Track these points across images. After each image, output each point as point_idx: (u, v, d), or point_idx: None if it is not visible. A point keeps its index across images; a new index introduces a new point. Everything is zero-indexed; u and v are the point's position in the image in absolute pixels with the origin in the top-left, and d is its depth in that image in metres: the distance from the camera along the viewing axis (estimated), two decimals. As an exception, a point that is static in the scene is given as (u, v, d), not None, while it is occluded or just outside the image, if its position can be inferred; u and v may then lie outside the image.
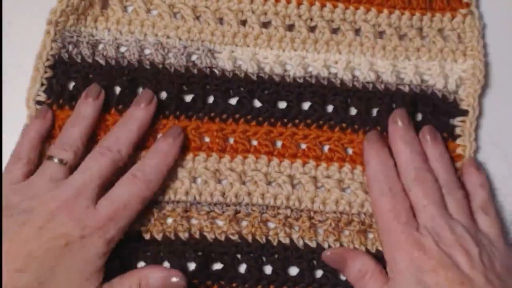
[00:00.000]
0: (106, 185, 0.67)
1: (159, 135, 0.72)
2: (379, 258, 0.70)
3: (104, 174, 0.67)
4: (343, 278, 0.71)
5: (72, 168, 0.67)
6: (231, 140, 0.74)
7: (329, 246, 0.71)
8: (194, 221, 0.72)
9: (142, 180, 0.67)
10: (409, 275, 0.65)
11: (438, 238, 0.65)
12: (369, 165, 0.70)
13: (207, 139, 0.73)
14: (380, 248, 0.71)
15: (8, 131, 0.72)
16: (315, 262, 0.72)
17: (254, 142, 0.74)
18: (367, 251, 0.71)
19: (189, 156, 0.73)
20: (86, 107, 0.70)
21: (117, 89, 0.73)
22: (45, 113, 0.70)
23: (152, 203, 0.71)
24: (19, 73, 0.73)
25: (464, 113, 0.74)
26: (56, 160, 0.67)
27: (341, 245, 0.71)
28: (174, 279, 0.68)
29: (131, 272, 0.68)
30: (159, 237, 0.71)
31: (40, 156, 0.69)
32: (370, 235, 0.72)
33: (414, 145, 0.70)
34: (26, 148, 0.68)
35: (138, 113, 0.70)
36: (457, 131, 0.74)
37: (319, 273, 0.72)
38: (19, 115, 0.72)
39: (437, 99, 0.74)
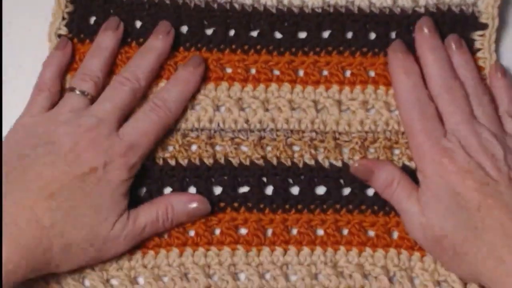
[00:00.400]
0: (126, 114, 0.68)
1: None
2: (406, 172, 0.69)
3: (124, 103, 0.67)
4: (370, 194, 0.70)
5: (94, 99, 0.68)
6: (253, 71, 0.74)
7: (356, 165, 0.70)
8: (218, 148, 0.72)
9: (162, 108, 0.68)
10: (437, 179, 0.64)
11: (465, 143, 0.65)
12: (395, 75, 0.69)
13: (229, 70, 0.74)
14: (406, 163, 0.70)
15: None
16: (342, 181, 0.71)
17: (276, 72, 0.74)
18: (394, 167, 0.70)
19: (211, 86, 0.73)
20: (105, 39, 0.70)
21: (138, 23, 0.75)
22: (64, 44, 0.71)
23: (176, 130, 0.71)
24: (19, 73, 0.74)
25: (484, 26, 0.73)
26: (77, 92, 0.67)
27: (368, 162, 0.70)
28: (193, 205, 0.68)
29: (157, 199, 0.69)
30: (184, 163, 0.71)
31: (62, 89, 0.71)
32: (396, 151, 0.71)
33: (440, 52, 0.69)
34: (47, 80, 0.69)
35: (157, 44, 0.70)
36: (477, 44, 0.73)
37: (346, 191, 0.71)
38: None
39: (454, 15, 0.74)
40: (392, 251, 0.69)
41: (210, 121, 0.72)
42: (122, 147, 0.65)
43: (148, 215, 0.67)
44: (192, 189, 0.71)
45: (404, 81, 0.68)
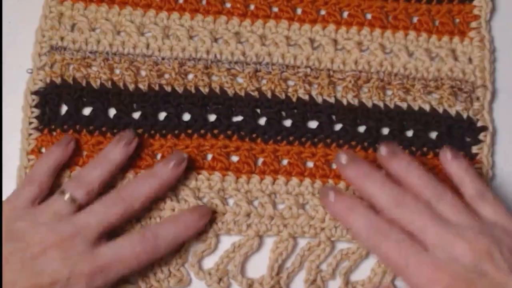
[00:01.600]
0: (110, 230, 0.64)
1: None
2: (397, 113, 0.70)
3: (111, 222, 0.63)
4: (361, 130, 0.72)
5: (82, 207, 0.64)
6: (252, 7, 0.75)
7: (348, 103, 0.72)
8: (214, 78, 0.73)
9: (151, 244, 0.63)
10: None
11: (452, 253, 0.59)
12: (343, 220, 0.64)
13: (228, 5, 0.75)
14: (398, 103, 0.72)
15: (8, 131, 0.73)
16: (333, 116, 0.72)
17: (275, 9, 0.75)
18: (386, 107, 0.71)
19: (210, 19, 0.74)
20: (115, 151, 0.67)
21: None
22: (67, 143, 0.68)
23: (173, 59, 0.73)
24: (19, 73, 0.74)
25: None
26: (67, 197, 0.64)
27: (360, 101, 0.71)
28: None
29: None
30: (180, 90, 0.72)
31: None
32: (389, 92, 0.73)
33: (376, 178, 0.63)
34: (40, 174, 0.66)
35: (165, 173, 0.66)
36: (473, -7, 0.75)
37: (337, 127, 0.72)
38: (19, 116, 0.72)
39: None
40: None
41: (208, 52, 0.73)
42: (92, 268, 0.61)
43: None
44: (187, 116, 0.72)
45: (355, 221, 0.62)
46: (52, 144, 0.68)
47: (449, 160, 0.65)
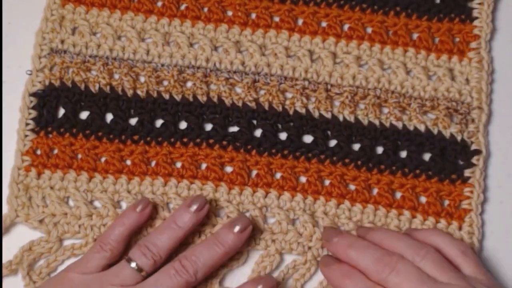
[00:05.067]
0: None
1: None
2: (392, 131, 0.71)
3: None
4: (355, 148, 0.72)
5: (147, 276, 0.65)
6: (253, 16, 0.75)
7: (344, 119, 0.72)
8: (213, 87, 0.73)
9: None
10: None
11: None
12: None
13: (229, 13, 0.75)
14: (394, 122, 0.72)
15: (8, 132, 0.73)
16: (329, 132, 0.72)
17: (276, 19, 0.75)
18: (381, 125, 0.72)
19: (211, 26, 0.74)
20: (185, 217, 0.66)
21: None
22: (144, 207, 0.67)
23: (172, 66, 0.73)
24: (19, 73, 0.74)
25: None
26: (133, 265, 0.64)
27: (356, 118, 0.72)
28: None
29: None
30: (178, 97, 0.72)
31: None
32: (385, 110, 0.73)
33: (360, 248, 0.65)
34: (113, 240, 0.66)
35: (230, 240, 0.66)
36: (475, 13, 0.75)
37: (332, 143, 0.73)
38: (19, 116, 0.72)
39: None
40: (370, 207, 0.71)
41: (207, 60, 0.74)
42: None
43: None
44: (183, 124, 0.72)
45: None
46: (129, 207, 0.68)
47: (421, 232, 0.67)
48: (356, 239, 0.65)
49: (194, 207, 0.66)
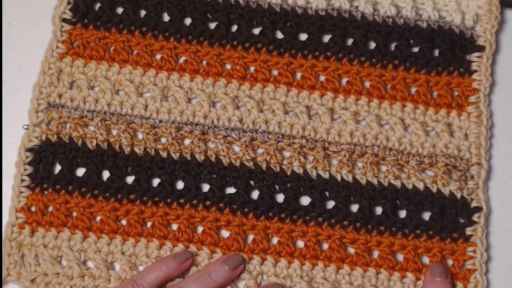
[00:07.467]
0: None
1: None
2: (391, 190, 0.71)
3: None
4: (353, 209, 0.72)
5: None
6: (252, 69, 0.74)
7: (342, 179, 0.72)
8: (211, 145, 0.73)
9: None
10: None
11: None
12: None
13: (228, 66, 0.74)
14: (392, 181, 0.72)
15: (8, 132, 0.73)
16: (327, 193, 0.72)
17: (274, 72, 0.74)
18: (380, 184, 0.71)
19: (209, 81, 0.74)
20: (219, 271, 0.68)
21: (142, 13, 0.76)
22: (184, 260, 0.69)
23: (170, 123, 0.73)
24: (19, 74, 0.74)
25: (481, 48, 0.74)
26: None
27: (354, 177, 0.71)
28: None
29: None
30: (175, 156, 0.72)
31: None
32: (383, 168, 0.73)
33: None
34: (146, 282, 0.67)
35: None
36: (474, 66, 0.74)
37: (330, 204, 0.72)
38: (19, 116, 0.72)
39: (454, 34, 0.75)
40: (371, 271, 0.70)
41: (205, 116, 0.73)
42: None
43: None
44: (180, 184, 0.72)
45: None
46: (170, 255, 0.69)
47: (438, 280, 0.68)
48: None
49: (230, 265, 0.68)
